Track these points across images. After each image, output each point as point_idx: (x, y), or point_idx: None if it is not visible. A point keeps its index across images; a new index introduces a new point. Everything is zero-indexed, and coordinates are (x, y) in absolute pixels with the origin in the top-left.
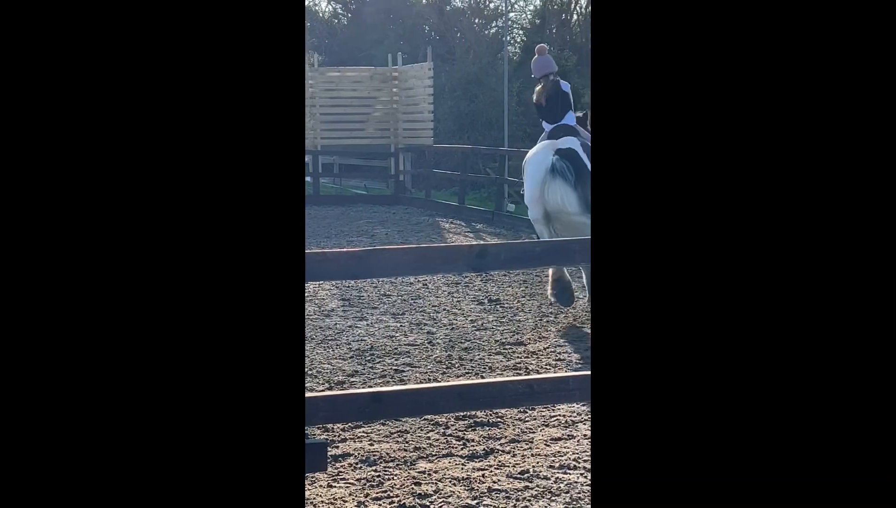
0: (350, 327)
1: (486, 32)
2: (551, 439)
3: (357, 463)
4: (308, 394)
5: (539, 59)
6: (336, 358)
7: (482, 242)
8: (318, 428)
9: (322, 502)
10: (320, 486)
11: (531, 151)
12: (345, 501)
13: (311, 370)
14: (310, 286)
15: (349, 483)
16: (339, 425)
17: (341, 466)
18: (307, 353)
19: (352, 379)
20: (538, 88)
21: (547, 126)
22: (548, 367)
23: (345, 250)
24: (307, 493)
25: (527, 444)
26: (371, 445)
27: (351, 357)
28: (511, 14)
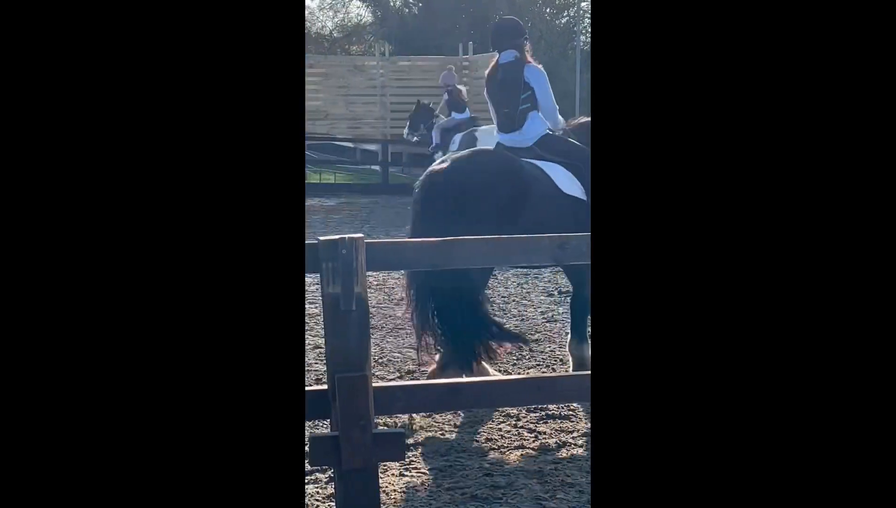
0: None
1: (558, 22)
2: None
3: (429, 453)
4: (384, 384)
5: (447, 74)
6: (406, 347)
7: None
8: (391, 418)
9: (395, 490)
10: (392, 475)
11: (481, 135)
12: (417, 490)
13: (381, 358)
14: (379, 275)
15: (421, 473)
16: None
17: (413, 455)
18: (377, 341)
19: (422, 369)
20: (450, 91)
21: (457, 115)
22: None
23: (425, 239)
24: (381, 481)
25: None
26: (443, 435)
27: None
28: (583, 4)
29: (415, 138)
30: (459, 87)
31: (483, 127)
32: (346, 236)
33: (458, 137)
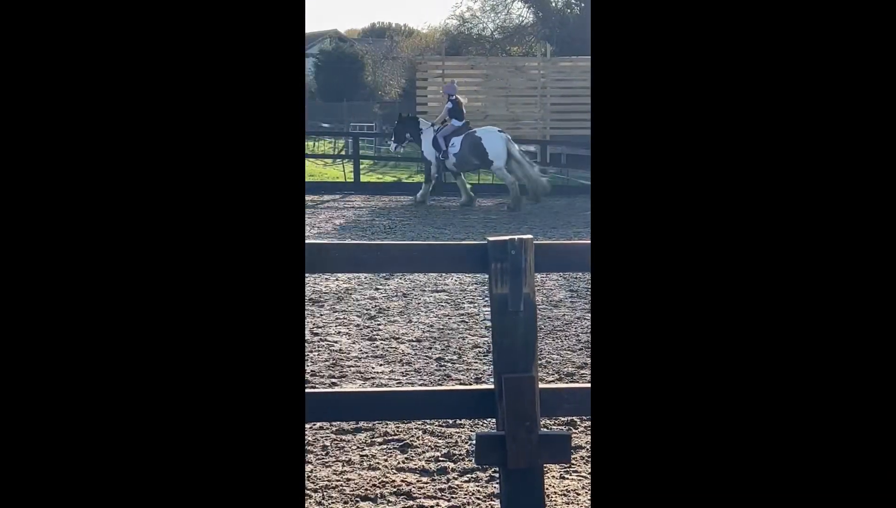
0: (578, 318)
1: None
2: None
3: (589, 457)
4: (549, 385)
5: (450, 85)
6: (565, 349)
7: None
8: (553, 420)
9: (555, 493)
10: (552, 477)
11: (483, 134)
12: (578, 494)
13: (540, 359)
14: (537, 276)
15: (582, 476)
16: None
17: (573, 458)
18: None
19: (581, 371)
20: (453, 100)
21: (456, 122)
22: None
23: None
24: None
25: None
26: None
27: (580, 349)
28: None
29: (401, 150)
30: (459, 97)
31: (480, 128)
32: (516, 236)
33: (456, 141)
